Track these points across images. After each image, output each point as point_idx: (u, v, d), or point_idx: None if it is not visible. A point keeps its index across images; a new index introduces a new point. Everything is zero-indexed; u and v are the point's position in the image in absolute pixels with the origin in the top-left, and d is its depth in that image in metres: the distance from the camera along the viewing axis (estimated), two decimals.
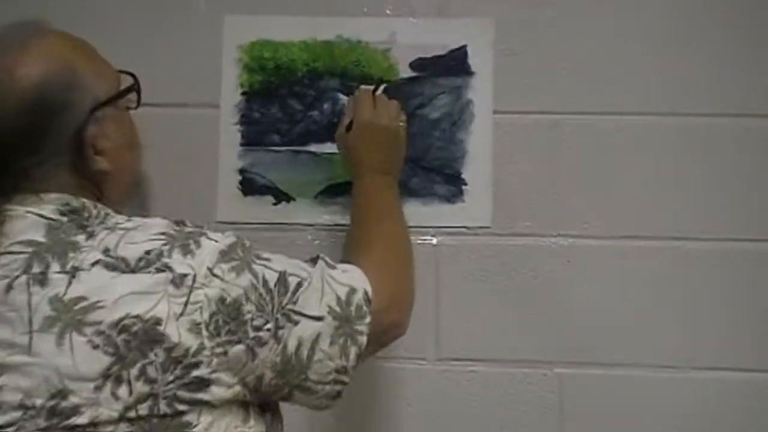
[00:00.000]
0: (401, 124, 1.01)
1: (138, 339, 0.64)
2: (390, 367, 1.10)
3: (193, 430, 0.66)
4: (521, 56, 1.12)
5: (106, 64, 0.78)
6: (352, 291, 0.75)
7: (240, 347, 0.67)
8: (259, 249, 0.74)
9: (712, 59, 1.10)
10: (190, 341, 0.65)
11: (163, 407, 0.65)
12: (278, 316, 0.70)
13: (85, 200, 0.72)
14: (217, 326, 0.67)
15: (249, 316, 0.68)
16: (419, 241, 1.10)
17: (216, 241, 0.70)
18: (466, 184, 1.11)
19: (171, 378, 0.65)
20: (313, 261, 0.77)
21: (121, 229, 0.69)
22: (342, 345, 0.73)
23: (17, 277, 0.66)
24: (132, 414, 0.64)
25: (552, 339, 1.10)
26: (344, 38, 1.13)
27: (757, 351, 1.08)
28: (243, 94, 1.13)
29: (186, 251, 0.68)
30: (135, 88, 0.80)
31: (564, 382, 1.09)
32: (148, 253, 0.67)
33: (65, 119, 0.71)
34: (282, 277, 0.71)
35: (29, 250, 0.67)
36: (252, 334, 0.68)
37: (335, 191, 1.11)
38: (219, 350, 0.66)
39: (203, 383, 0.66)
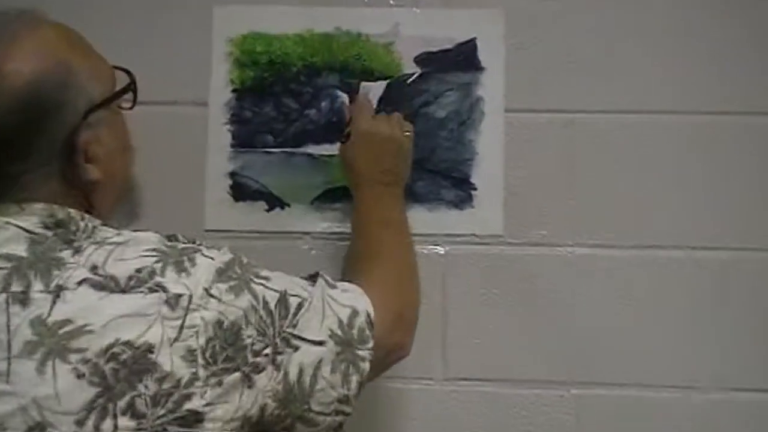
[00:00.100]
0: (407, 133, 1.00)
1: (127, 368, 0.62)
2: (394, 388, 1.08)
3: None
4: (534, 50, 1.10)
5: (102, 61, 0.75)
6: (355, 313, 0.75)
7: (236, 375, 0.66)
8: (257, 266, 0.73)
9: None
10: (183, 370, 0.63)
11: None
12: (277, 340, 0.69)
13: (71, 211, 0.70)
14: (214, 353, 0.65)
15: (249, 340, 0.67)
16: (425, 251, 1.08)
17: (212, 258, 0.69)
18: (475, 189, 1.09)
19: (161, 412, 0.62)
20: (312, 279, 0.77)
21: (110, 243, 0.68)
22: (344, 372, 0.73)
23: None
24: None
25: (569, 357, 1.07)
26: (343, 31, 1.10)
27: None
28: (234, 91, 1.11)
29: (180, 269, 0.66)
30: (132, 87, 0.78)
31: (582, 403, 1.07)
32: (139, 271, 0.65)
33: (57, 122, 0.69)
34: (283, 298, 0.71)
35: (8, 265, 0.65)
36: (251, 359, 0.67)
37: (333, 196, 1.09)
38: (213, 380, 0.64)
39: (196, 418, 0.64)
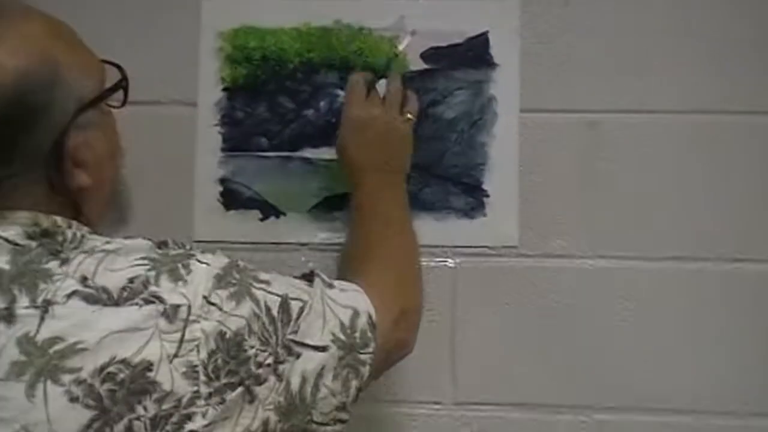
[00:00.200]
0: (408, 116, 0.98)
1: (125, 389, 0.61)
2: (400, 412, 1.06)
3: None
4: (552, 44, 1.08)
5: (91, 55, 0.75)
6: (356, 314, 0.75)
7: (239, 390, 0.66)
8: (254, 269, 0.73)
9: None
10: (184, 388, 0.63)
11: None
12: (279, 349, 0.69)
13: (57, 219, 0.69)
14: (216, 368, 0.64)
15: (252, 351, 0.67)
16: (432, 264, 1.06)
17: (208, 264, 0.69)
18: (488, 196, 1.07)
19: None
20: (309, 279, 0.77)
21: (100, 251, 0.67)
22: (344, 378, 0.73)
23: None
24: None
25: (591, 379, 1.05)
26: (344, 24, 1.08)
27: None
28: (224, 90, 1.09)
29: (175, 277, 0.66)
30: (123, 84, 0.77)
31: (607, 430, 1.05)
32: (131, 281, 0.65)
33: (44, 123, 0.68)
34: (284, 303, 0.71)
35: None
36: (254, 371, 0.67)
37: (333, 205, 1.07)
38: (216, 399, 0.64)
39: None
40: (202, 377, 0.63)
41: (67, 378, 0.60)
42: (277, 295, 0.70)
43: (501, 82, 1.06)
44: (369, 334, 0.75)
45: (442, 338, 1.05)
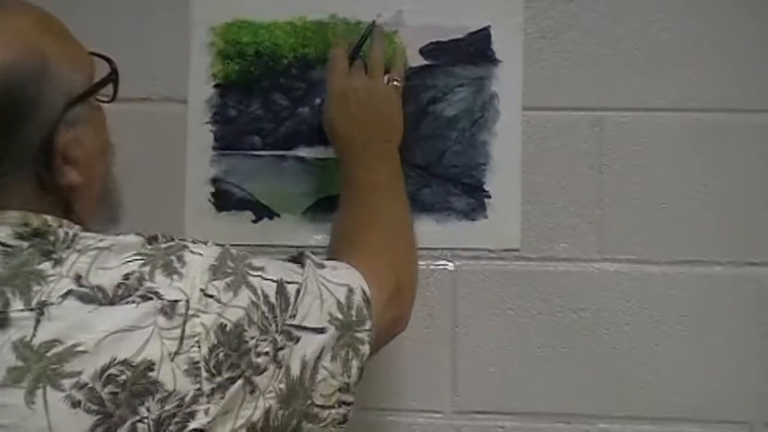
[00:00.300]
0: (394, 83, 0.98)
1: (127, 391, 0.61)
2: (399, 422, 1.06)
3: None
4: (556, 40, 1.07)
5: (80, 48, 0.75)
6: (351, 291, 0.76)
7: (239, 383, 0.66)
8: (247, 255, 0.74)
9: None
10: (186, 387, 0.63)
11: None
12: (278, 336, 0.69)
13: (48, 218, 0.69)
14: (218, 362, 0.65)
15: (252, 342, 0.67)
16: (432, 267, 1.06)
17: (201, 255, 0.69)
18: (489, 197, 1.07)
19: None
20: (298, 261, 0.78)
21: (93, 249, 0.67)
22: (344, 358, 0.74)
23: None
24: None
25: (596, 387, 1.05)
26: (340, 18, 1.08)
27: None
28: (216, 86, 1.09)
29: (170, 271, 0.66)
30: (113, 77, 0.77)
31: None
32: (126, 278, 0.65)
33: (33, 120, 0.68)
34: (281, 288, 0.71)
35: None
36: (254, 361, 0.67)
37: (328, 206, 1.07)
38: (218, 395, 0.64)
39: None
40: (204, 374, 0.64)
41: (67, 383, 0.60)
42: (273, 281, 0.71)
43: (503, 79, 1.07)
44: (365, 312, 0.76)
45: (441, 344, 1.05)
